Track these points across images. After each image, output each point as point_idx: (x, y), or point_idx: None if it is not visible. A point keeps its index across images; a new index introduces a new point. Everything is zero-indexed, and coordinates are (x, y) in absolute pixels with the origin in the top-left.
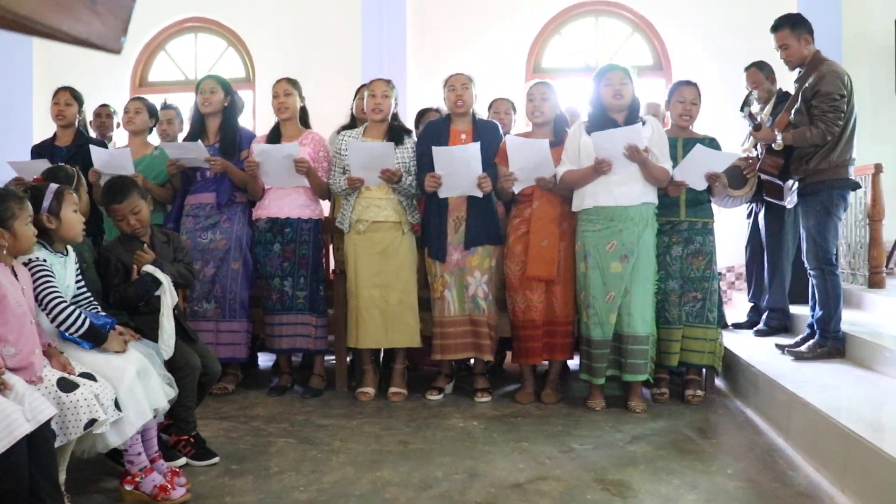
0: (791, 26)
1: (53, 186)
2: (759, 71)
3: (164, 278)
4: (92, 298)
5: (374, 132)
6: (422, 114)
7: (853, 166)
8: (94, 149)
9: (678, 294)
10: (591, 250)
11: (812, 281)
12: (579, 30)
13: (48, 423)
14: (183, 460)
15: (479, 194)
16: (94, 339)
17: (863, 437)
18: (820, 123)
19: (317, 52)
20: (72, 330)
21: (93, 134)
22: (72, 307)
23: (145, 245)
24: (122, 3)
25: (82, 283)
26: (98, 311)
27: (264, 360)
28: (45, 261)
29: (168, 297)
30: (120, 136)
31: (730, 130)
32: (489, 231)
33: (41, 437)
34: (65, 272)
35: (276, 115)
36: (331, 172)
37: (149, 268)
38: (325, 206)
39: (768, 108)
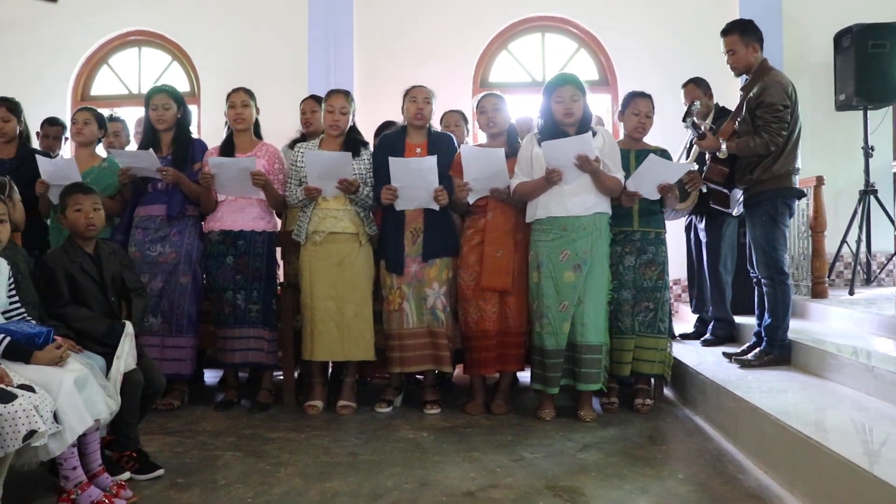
0: (741, 32)
1: None
2: (697, 87)
3: (130, 328)
4: (24, 312)
5: (331, 145)
6: (383, 127)
7: (797, 175)
8: (40, 159)
9: (631, 304)
10: (544, 260)
11: (764, 290)
12: (526, 45)
13: None
14: (126, 475)
15: (436, 207)
16: (18, 357)
17: (810, 437)
18: (763, 133)
19: (262, 66)
20: None
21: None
22: None
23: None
24: None
25: (14, 294)
26: (32, 323)
27: (210, 376)
28: None
29: (127, 344)
30: (68, 151)
31: (676, 143)
32: (447, 242)
33: None
34: None
35: (232, 125)
36: (287, 185)
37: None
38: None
39: (707, 122)
